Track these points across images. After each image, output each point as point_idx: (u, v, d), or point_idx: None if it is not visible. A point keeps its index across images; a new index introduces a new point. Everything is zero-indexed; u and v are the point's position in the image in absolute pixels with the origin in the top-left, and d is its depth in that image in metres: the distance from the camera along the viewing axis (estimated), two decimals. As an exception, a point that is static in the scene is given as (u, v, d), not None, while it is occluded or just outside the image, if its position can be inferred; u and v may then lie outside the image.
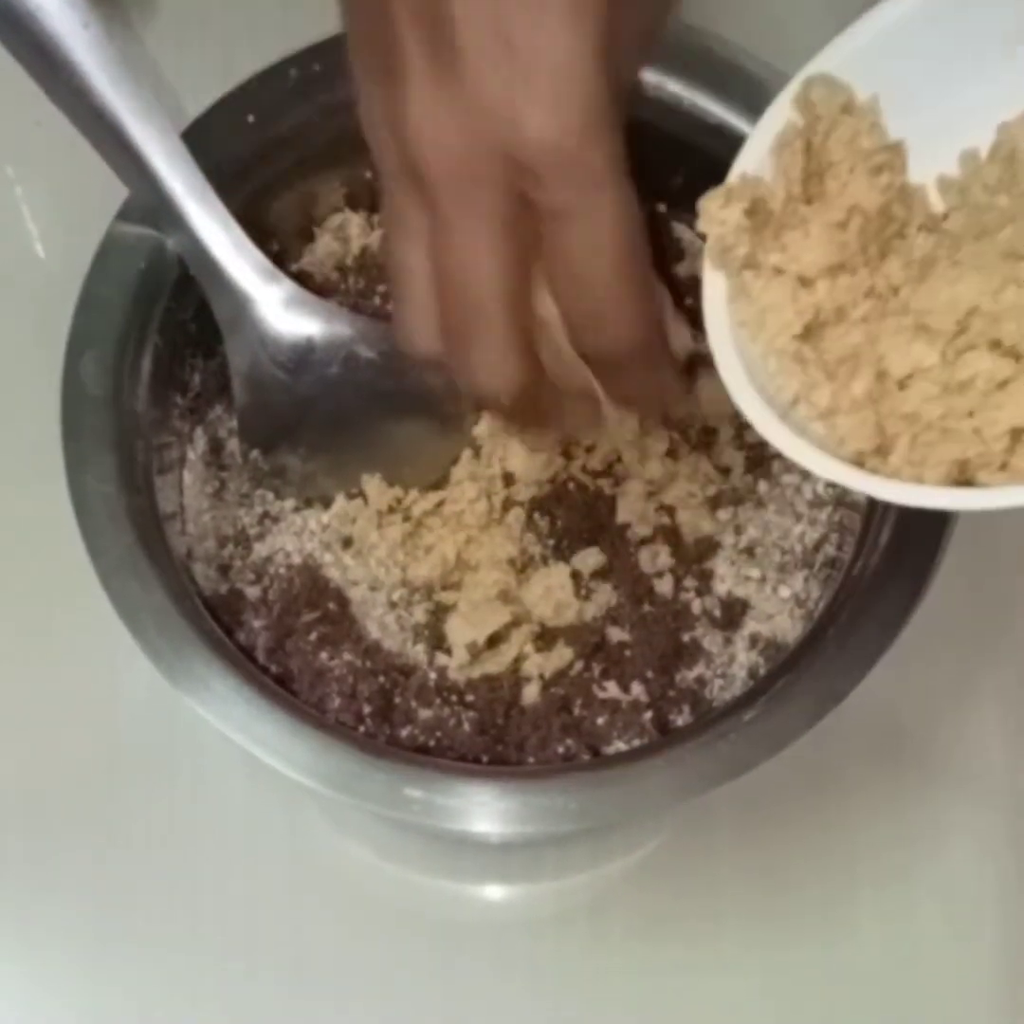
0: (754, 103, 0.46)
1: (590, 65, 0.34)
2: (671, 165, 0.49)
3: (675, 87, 0.47)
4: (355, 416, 0.46)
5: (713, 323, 0.37)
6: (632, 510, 0.46)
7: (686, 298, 0.48)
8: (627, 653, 0.46)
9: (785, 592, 0.46)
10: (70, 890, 0.48)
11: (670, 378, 0.41)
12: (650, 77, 0.47)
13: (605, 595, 0.46)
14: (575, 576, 0.46)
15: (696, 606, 0.46)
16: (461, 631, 0.45)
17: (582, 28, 0.34)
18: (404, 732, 0.44)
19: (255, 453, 0.47)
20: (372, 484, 0.47)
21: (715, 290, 0.37)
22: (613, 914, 0.48)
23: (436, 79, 0.34)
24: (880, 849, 0.48)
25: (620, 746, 0.44)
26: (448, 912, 0.48)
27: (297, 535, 0.47)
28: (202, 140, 0.45)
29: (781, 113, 0.37)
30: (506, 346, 0.37)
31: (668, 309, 0.41)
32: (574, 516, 0.47)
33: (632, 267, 0.36)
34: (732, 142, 0.45)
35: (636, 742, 0.44)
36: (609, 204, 0.35)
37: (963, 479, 0.34)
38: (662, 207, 0.50)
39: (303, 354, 0.46)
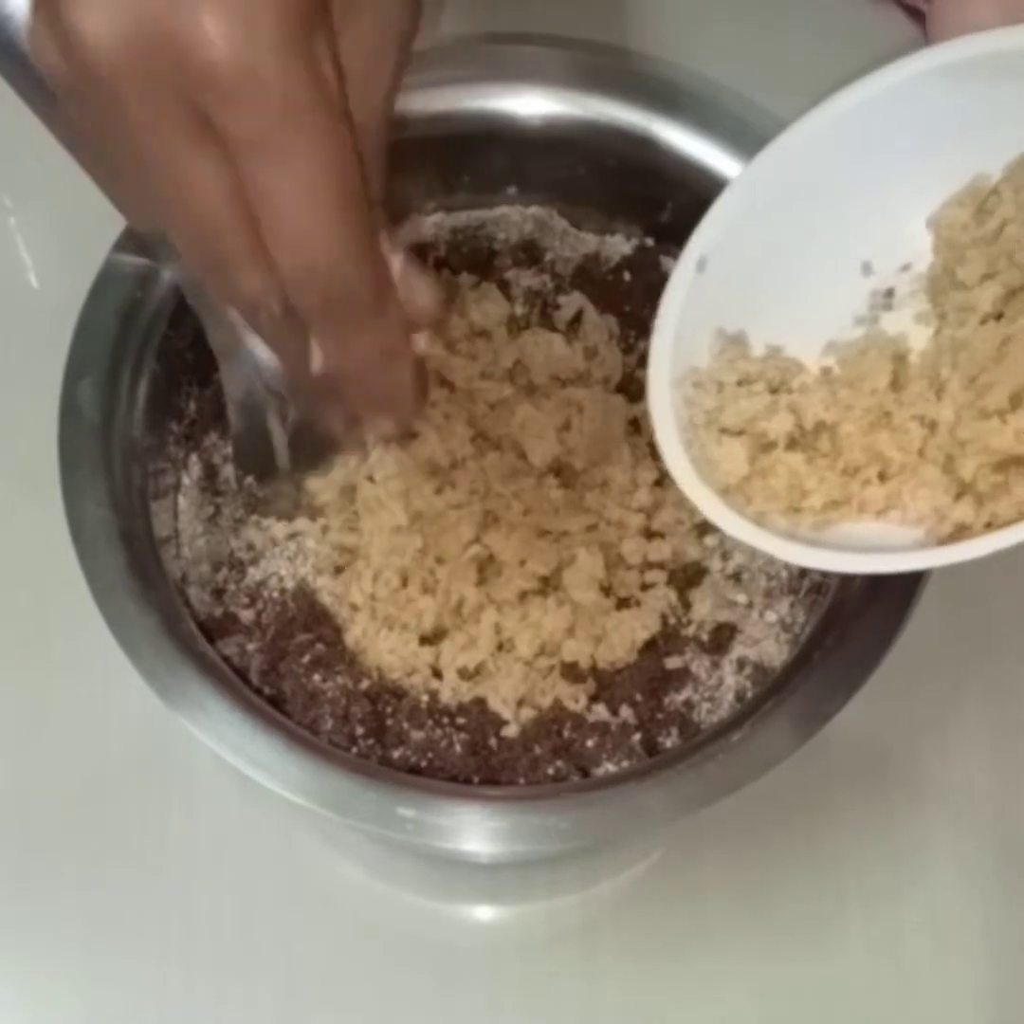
0: (738, 139, 0.47)
1: None
2: (658, 201, 0.50)
3: (660, 125, 0.48)
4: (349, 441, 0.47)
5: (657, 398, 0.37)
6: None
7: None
8: (616, 677, 0.46)
9: (771, 617, 0.47)
10: (62, 908, 0.48)
11: (401, 347, 0.36)
12: (636, 116, 0.48)
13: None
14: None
15: (684, 631, 0.47)
16: (453, 655, 0.46)
17: None
18: (396, 753, 0.44)
19: (249, 479, 0.48)
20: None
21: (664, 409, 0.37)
22: (603, 934, 0.48)
23: None
24: (867, 869, 0.49)
25: (609, 768, 0.44)
26: (439, 932, 0.49)
27: (291, 560, 0.47)
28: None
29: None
30: (249, 258, 0.32)
31: (407, 268, 0.36)
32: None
33: (348, 214, 0.32)
34: (716, 178, 0.47)
35: (625, 764, 0.44)
36: (312, 138, 0.30)
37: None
38: (650, 241, 0.51)
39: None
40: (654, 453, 0.48)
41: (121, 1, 0.29)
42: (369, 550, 0.46)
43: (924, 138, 0.37)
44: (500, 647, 0.46)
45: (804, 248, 0.38)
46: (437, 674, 0.46)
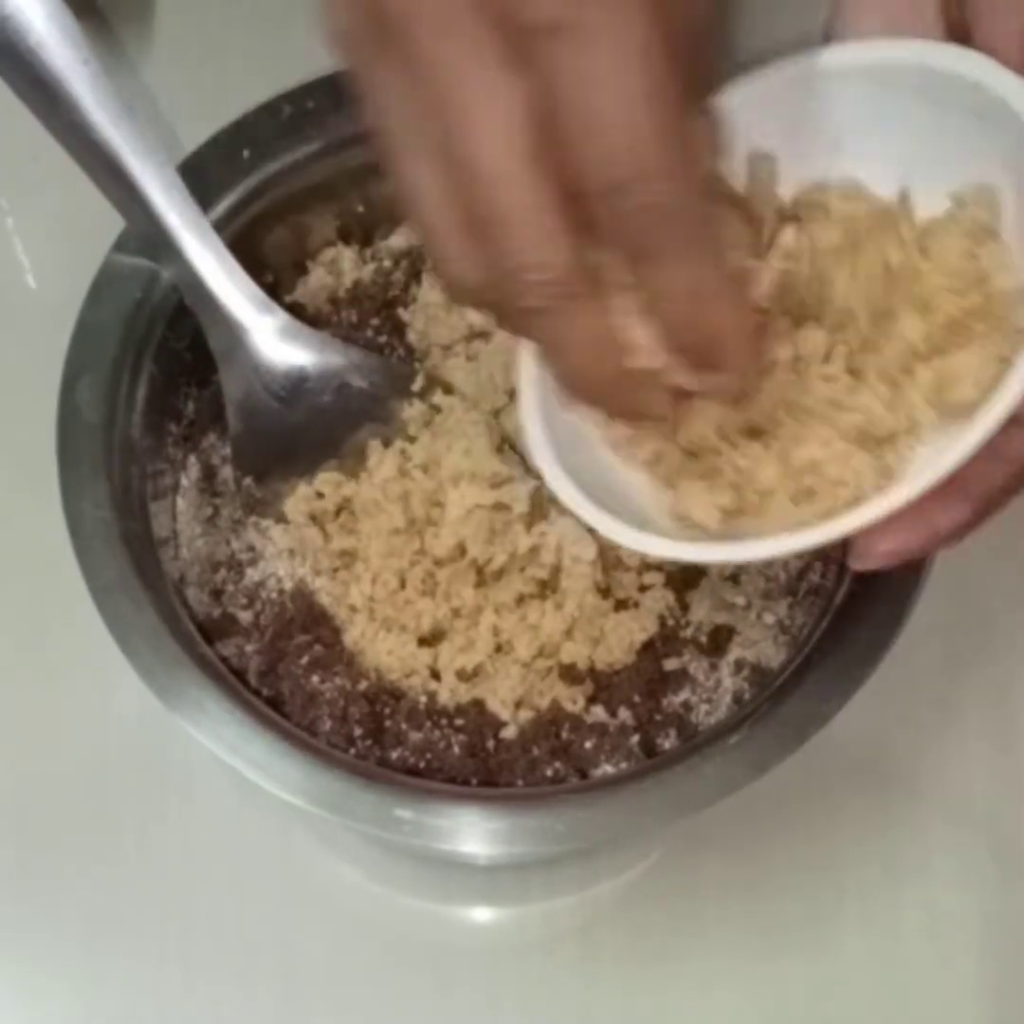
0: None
1: None
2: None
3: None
4: (347, 445, 0.47)
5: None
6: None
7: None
8: (614, 678, 0.46)
9: (769, 618, 0.47)
10: (60, 908, 0.48)
11: (727, 277, 0.31)
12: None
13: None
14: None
15: (682, 632, 0.47)
16: (451, 657, 0.46)
17: None
18: (394, 754, 0.44)
19: (248, 480, 0.48)
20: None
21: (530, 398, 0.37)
22: (601, 936, 0.48)
23: None
24: (865, 870, 0.48)
25: (607, 769, 0.44)
26: (437, 934, 0.49)
27: (289, 561, 0.47)
28: (198, 174, 0.46)
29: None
30: (540, 214, 0.29)
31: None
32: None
33: (658, 109, 0.28)
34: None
35: (623, 765, 0.44)
36: (620, 19, 0.27)
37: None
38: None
39: (296, 383, 0.46)
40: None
41: None
42: (367, 552, 0.46)
43: (797, 140, 0.37)
44: (498, 649, 0.46)
45: None
46: (435, 675, 0.46)
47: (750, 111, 0.36)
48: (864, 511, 0.34)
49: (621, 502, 0.37)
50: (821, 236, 0.37)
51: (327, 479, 0.47)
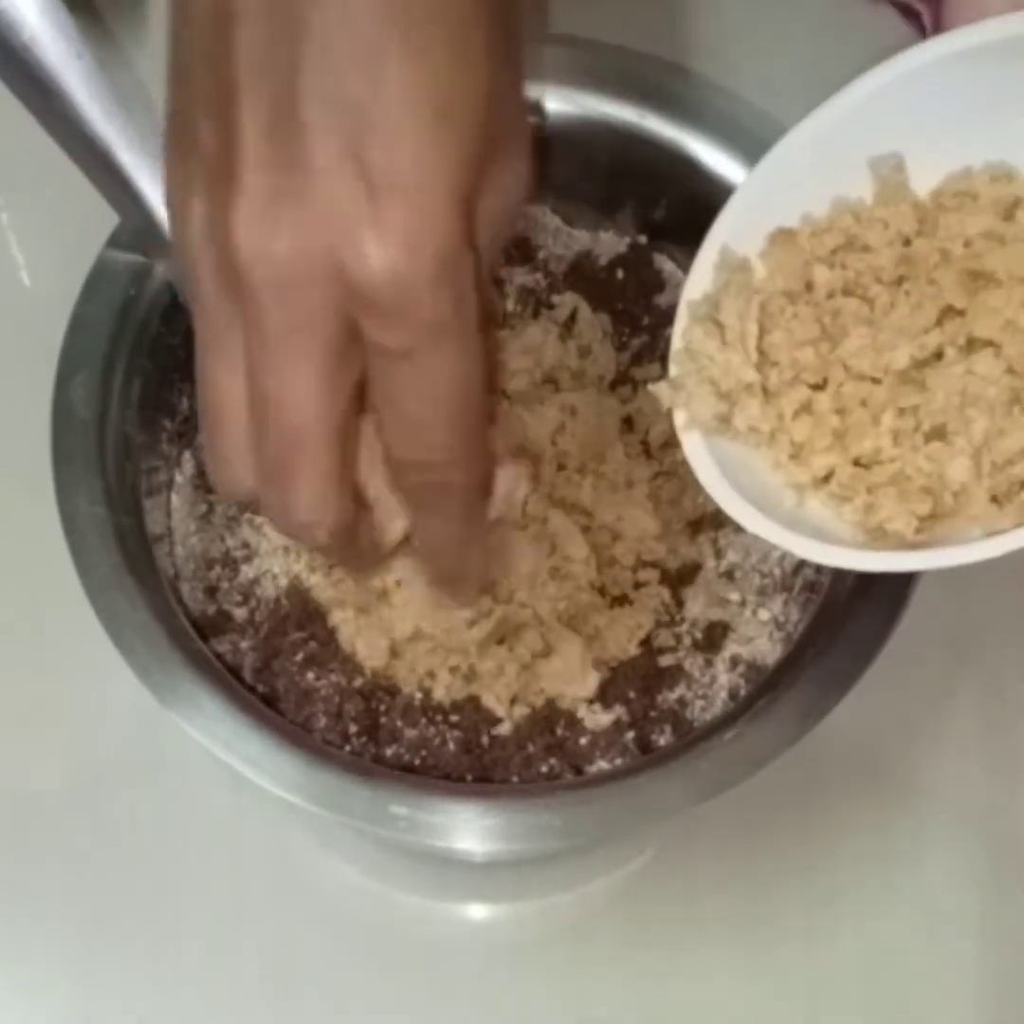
0: (732, 137, 0.47)
1: (452, 213, 0.31)
2: (652, 198, 0.50)
3: (654, 122, 0.48)
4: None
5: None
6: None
7: (666, 328, 0.49)
8: (610, 675, 0.46)
9: (764, 615, 0.47)
10: (53, 906, 0.48)
11: (480, 543, 0.40)
12: (630, 113, 0.48)
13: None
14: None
15: (677, 629, 0.47)
16: (445, 654, 0.46)
17: (446, 173, 0.31)
18: (389, 751, 0.44)
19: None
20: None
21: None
22: (597, 932, 0.48)
23: (273, 183, 0.31)
24: (861, 867, 0.49)
25: (602, 766, 0.44)
26: (432, 931, 0.49)
27: (284, 557, 0.47)
28: (192, 169, 0.46)
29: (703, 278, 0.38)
30: (326, 482, 0.34)
31: (504, 461, 0.39)
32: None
33: (468, 423, 0.34)
34: (710, 176, 0.47)
35: (618, 762, 0.44)
36: (453, 358, 0.33)
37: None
38: (643, 239, 0.51)
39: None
40: (647, 451, 0.49)
41: (295, 226, 0.31)
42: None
43: (940, 124, 0.37)
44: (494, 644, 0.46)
45: None
46: (430, 673, 0.46)
47: (876, 108, 0.36)
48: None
49: (798, 521, 0.37)
50: (971, 223, 0.36)
51: None
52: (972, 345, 0.36)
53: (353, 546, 0.38)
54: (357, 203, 0.31)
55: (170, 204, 0.34)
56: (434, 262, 0.31)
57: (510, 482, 0.39)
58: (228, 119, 0.31)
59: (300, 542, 0.38)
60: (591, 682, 0.45)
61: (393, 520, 0.38)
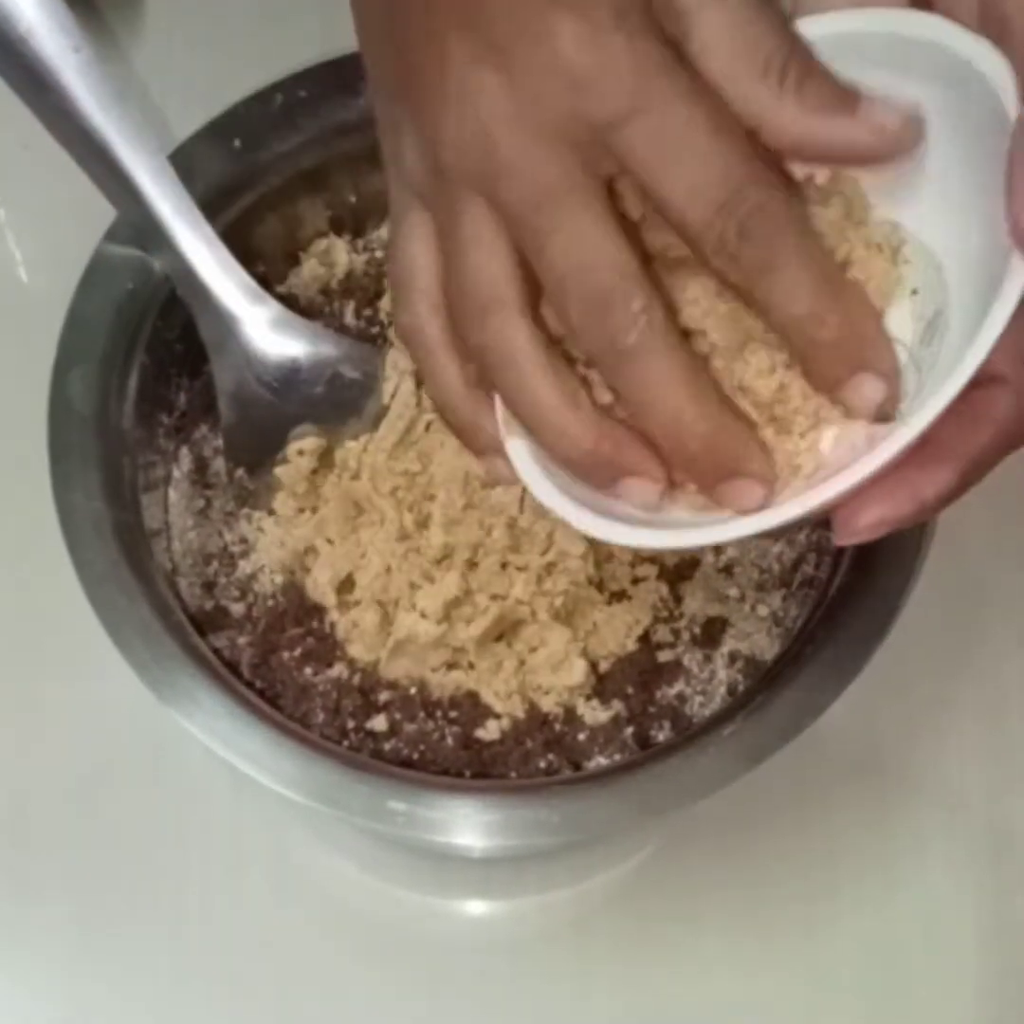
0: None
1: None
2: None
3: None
4: (340, 436, 0.47)
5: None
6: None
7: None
8: (608, 670, 0.46)
9: (763, 610, 0.47)
10: (52, 903, 0.48)
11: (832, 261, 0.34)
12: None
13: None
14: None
15: (676, 624, 0.47)
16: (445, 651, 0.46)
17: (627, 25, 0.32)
18: (388, 746, 0.44)
19: (240, 472, 0.47)
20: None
21: None
22: (595, 928, 0.48)
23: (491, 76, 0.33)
24: (860, 862, 0.49)
25: (601, 761, 0.44)
26: (431, 927, 0.49)
27: (281, 552, 0.47)
28: (189, 163, 0.46)
29: None
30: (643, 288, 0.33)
31: None
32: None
33: (730, 134, 0.33)
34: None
35: (617, 757, 0.44)
36: (682, 84, 0.33)
37: None
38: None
39: (289, 374, 0.46)
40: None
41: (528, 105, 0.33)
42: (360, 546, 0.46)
43: None
44: (493, 641, 0.46)
45: None
46: (428, 667, 0.46)
47: None
48: (835, 482, 0.33)
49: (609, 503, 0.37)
50: None
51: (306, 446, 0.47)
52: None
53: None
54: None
55: (385, 132, 0.37)
56: (612, 16, 0.32)
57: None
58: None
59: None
60: (578, 670, 0.45)
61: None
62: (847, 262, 0.35)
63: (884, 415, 0.34)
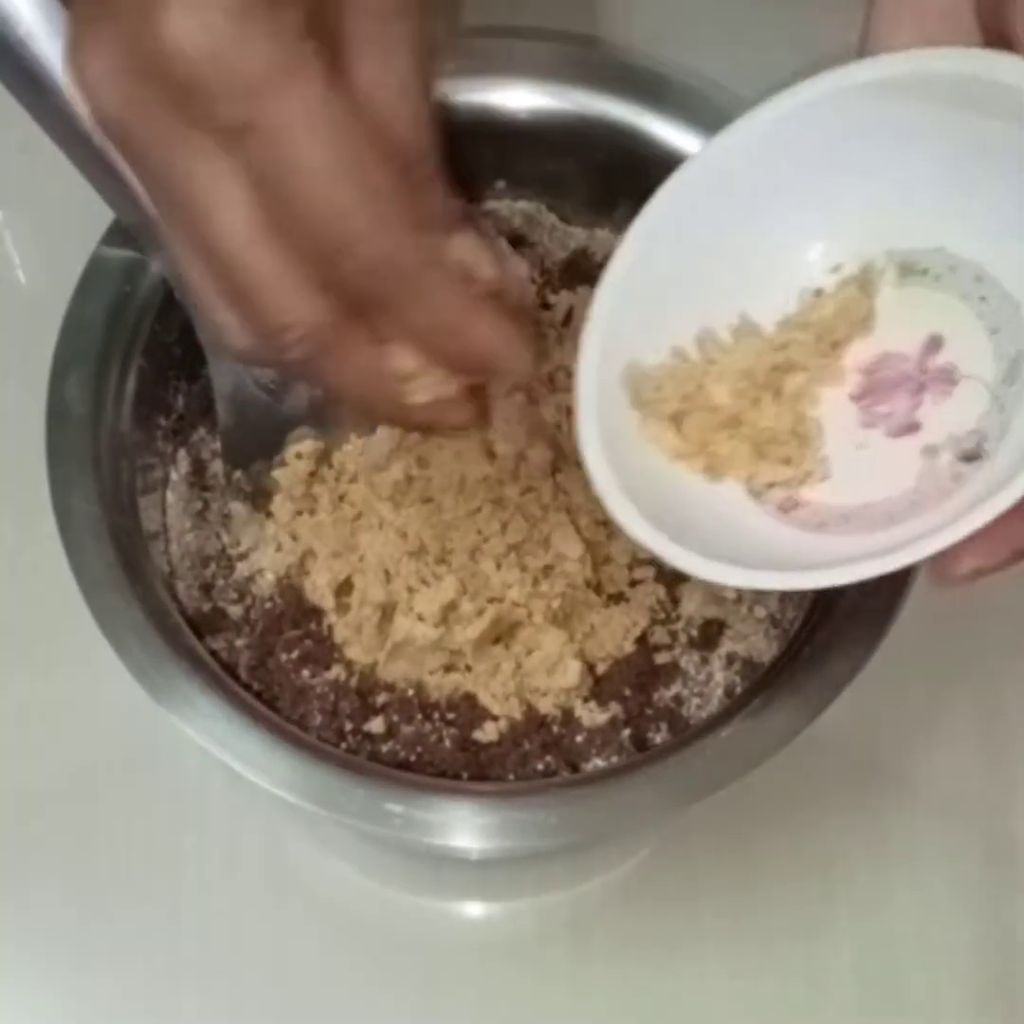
0: (700, 128, 0.47)
1: None
2: (647, 195, 0.50)
3: (649, 119, 0.48)
4: (337, 438, 0.47)
5: (583, 388, 0.38)
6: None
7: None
8: (605, 673, 0.46)
9: (760, 612, 0.47)
10: (47, 906, 0.48)
11: (473, 306, 0.34)
12: (625, 110, 0.48)
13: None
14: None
15: (673, 626, 0.47)
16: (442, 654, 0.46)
17: None
18: (385, 749, 0.44)
19: (238, 474, 0.48)
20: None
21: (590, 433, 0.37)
22: (592, 931, 0.48)
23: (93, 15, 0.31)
24: (856, 866, 0.49)
25: (598, 763, 0.44)
26: (428, 929, 0.49)
27: (279, 555, 0.47)
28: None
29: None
30: (281, 281, 0.32)
31: (471, 241, 0.35)
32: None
33: (351, 174, 0.31)
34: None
35: (614, 759, 0.44)
36: (297, 110, 0.30)
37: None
38: (605, 232, 0.51)
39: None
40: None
41: (104, 39, 0.31)
42: (359, 548, 0.46)
43: (853, 143, 0.37)
44: (491, 643, 0.46)
45: (741, 242, 0.39)
46: (426, 670, 0.46)
47: (780, 135, 0.37)
48: (946, 533, 0.32)
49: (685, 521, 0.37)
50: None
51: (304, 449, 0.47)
52: None
53: (349, 366, 0.35)
54: None
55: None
56: (226, 16, 0.29)
57: (477, 251, 0.35)
58: None
59: (283, 363, 0.35)
60: (573, 672, 0.45)
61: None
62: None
63: (972, 453, 0.35)
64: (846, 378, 0.39)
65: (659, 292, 0.39)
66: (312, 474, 0.47)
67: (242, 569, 0.47)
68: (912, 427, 0.37)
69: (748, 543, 0.37)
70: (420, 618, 0.44)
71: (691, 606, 0.47)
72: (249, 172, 0.31)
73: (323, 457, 0.47)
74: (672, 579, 0.47)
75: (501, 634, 0.45)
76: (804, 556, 0.36)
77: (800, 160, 0.37)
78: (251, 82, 0.30)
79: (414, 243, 0.33)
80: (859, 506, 0.37)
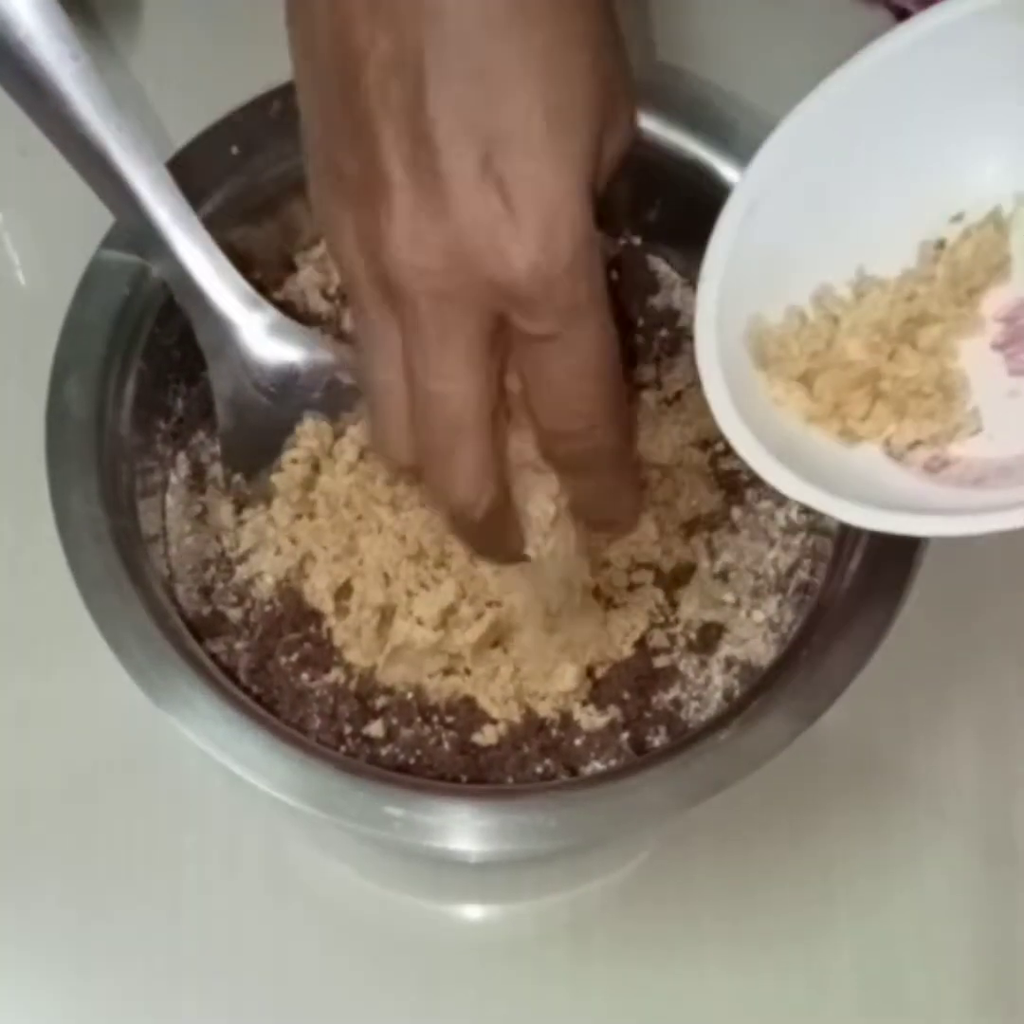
0: (727, 138, 0.47)
1: (578, 202, 0.35)
2: (646, 199, 0.50)
3: (650, 123, 0.48)
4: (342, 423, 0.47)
5: (703, 348, 0.37)
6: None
7: (660, 329, 0.49)
8: (604, 676, 0.46)
9: (759, 616, 0.47)
10: (46, 907, 0.48)
11: (633, 483, 0.44)
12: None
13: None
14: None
15: (672, 630, 0.47)
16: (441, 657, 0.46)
17: (570, 166, 0.35)
18: (384, 752, 0.44)
19: (238, 478, 0.48)
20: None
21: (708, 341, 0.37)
22: (592, 934, 0.48)
23: (417, 202, 0.35)
24: (857, 868, 0.49)
25: (597, 766, 0.44)
26: (428, 932, 0.49)
27: (278, 558, 0.47)
28: (187, 170, 0.46)
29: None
30: (482, 463, 0.38)
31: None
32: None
33: (611, 386, 0.38)
34: (706, 176, 0.47)
35: (613, 762, 0.44)
36: (592, 332, 0.37)
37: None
38: (637, 240, 0.51)
39: (286, 380, 0.46)
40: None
41: (443, 240, 0.35)
42: (357, 551, 0.46)
43: (973, 83, 0.37)
44: (489, 646, 0.46)
45: (855, 194, 0.38)
46: (425, 673, 0.46)
47: (898, 75, 0.36)
48: None
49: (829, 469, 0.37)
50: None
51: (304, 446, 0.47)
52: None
53: (501, 530, 0.41)
54: (494, 212, 0.35)
55: (325, 226, 0.39)
56: (569, 251, 0.35)
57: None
58: (369, 149, 0.36)
59: (456, 521, 0.40)
60: (569, 676, 0.45)
61: (539, 503, 0.41)
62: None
63: None
64: (986, 327, 0.38)
65: (772, 248, 0.38)
66: (315, 468, 0.47)
67: (241, 572, 0.47)
68: None
69: (900, 502, 0.36)
70: (419, 622, 0.45)
71: (690, 610, 0.47)
72: (516, 367, 0.38)
73: (322, 460, 0.47)
74: (671, 583, 0.47)
75: (499, 637, 0.45)
76: (973, 510, 0.35)
77: (921, 101, 0.37)
78: (567, 308, 0.36)
79: (627, 436, 0.41)
80: (1020, 456, 0.36)
